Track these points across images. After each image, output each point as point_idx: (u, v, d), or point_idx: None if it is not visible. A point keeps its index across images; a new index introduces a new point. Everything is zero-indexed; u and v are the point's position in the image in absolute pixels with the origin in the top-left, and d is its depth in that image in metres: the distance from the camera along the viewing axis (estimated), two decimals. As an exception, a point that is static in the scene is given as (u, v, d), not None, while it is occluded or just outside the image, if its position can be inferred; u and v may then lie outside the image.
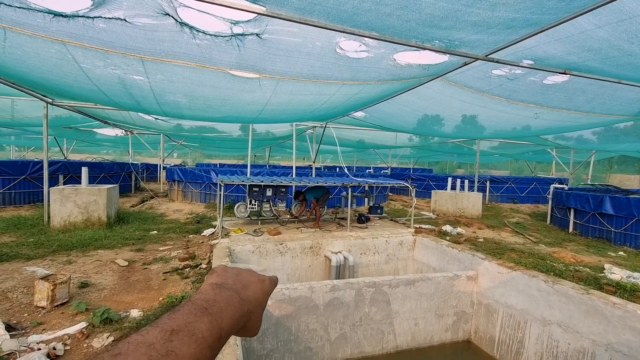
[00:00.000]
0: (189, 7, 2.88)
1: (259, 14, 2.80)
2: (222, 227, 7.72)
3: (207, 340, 0.37)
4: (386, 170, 22.86)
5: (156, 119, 10.06)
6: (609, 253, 7.61)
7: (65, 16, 3.23)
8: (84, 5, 3.07)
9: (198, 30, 3.18)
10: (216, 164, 24.65)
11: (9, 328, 3.76)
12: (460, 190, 12.18)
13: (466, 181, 12.38)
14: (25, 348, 3.43)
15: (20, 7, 3.10)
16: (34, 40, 3.66)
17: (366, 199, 9.25)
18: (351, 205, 8.62)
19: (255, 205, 8.38)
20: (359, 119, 8.10)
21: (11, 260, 6.06)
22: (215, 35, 3.25)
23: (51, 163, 11.88)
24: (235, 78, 4.20)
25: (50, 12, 3.18)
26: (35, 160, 11.99)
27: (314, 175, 11.02)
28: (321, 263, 7.29)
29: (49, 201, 8.49)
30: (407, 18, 3.02)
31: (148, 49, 3.65)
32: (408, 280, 5.83)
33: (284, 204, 8.68)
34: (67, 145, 20.04)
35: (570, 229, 9.83)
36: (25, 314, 4.17)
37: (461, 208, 11.53)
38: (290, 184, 8.24)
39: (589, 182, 16.55)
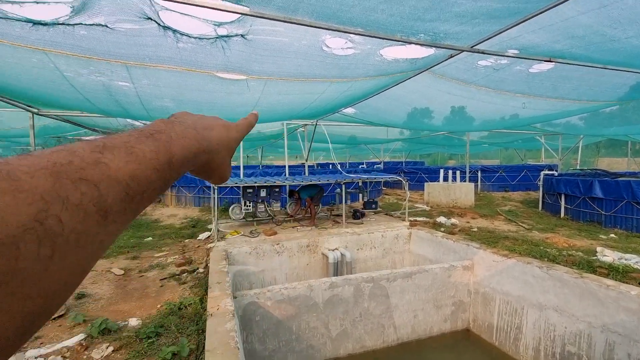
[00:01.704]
0: (171, 10, 2.83)
1: (242, 14, 2.77)
2: (218, 230, 7.68)
3: (152, 162, 0.34)
4: (379, 165, 22.93)
5: (144, 124, 9.92)
6: (600, 236, 7.77)
7: (45, 24, 3.16)
8: (64, 13, 3.00)
9: (182, 34, 3.14)
10: (209, 167, 24.43)
11: (4, 345, 3.70)
12: (452, 181, 12.29)
13: (458, 172, 12.50)
14: (22, 364, 3.38)
15: (-3, 17, 3.02)
16: (14, 50, 3.57)
17: (360, 195, 9.27)
18: (346, 202, 8.64)
19: (249, 206, 8.35)
20: (350, 116, 8.10)
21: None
22: (199, 38, 3.21)
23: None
24: (223, 80, 4.16)
25: (29, 20, 3.10)
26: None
27: (307, 174, 11.01)
28: (319, 261, 7.31)
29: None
30: (391, 12, 3.02)
31: (132, 54, 3.59)
32: (405, 273, 5.87)
33: (278, 204, 8.67)
34: (55, 155, 19.74)
35: (562, 214, 9.99)
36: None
37: (454, 199, 11.64)
38: (284, 184, 8.22)
39: (578, 167, 16.81)
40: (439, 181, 12.48)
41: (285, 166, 11.99)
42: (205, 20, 3.06)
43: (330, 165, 22.47)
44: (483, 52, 3.95)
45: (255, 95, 4.60)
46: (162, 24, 3.05)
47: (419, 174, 17.96)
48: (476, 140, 16.92)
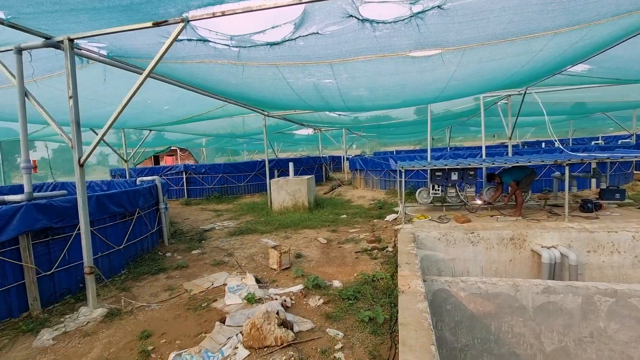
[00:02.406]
0: (369, 2, 2.96)
1: (441, -20, 2.54)
2: (405, 213, 7.78)
3: None
4: (627, 140, 16.42)
5: (339, 115, 11.22)
6: None
7: (277, 44, 4.04)
8: (288, 31, 3.72)
9: (378, 22, 3.24)
10: (392, 151, 25.15)
11: (257, 281, 5.20)
12: None
13: None
14: (268, 297, 4.63)
15: (251, 46, 4.11)
16: (258, 69, 4.78)
17: (594, 180, 6.95)
18: (569, 189, 6.74)
19: (438, 190, 7.97)
20: (579, 75, 6.11)
21: (253, 233, 8.37)
22: (394, 22, 3.22)
23: (269, 161, 15.59)
24: (414, 60, 4.05)
25: (268, 43, 4.05)
26: (260, 160, 15.99)
27: (510, 154, 9.32)
28: (526, 258, 6.12)
29: (270, 190, 11.18)
30: None
31: (335, 53, 4.05)
32: (680, 296, 4.01)
33: (472, 189, 7.83)
34: (277, 147, 25.60)
35: None
36: (264, 273, 5.64)
37: None
38: (480, 166, 7.29)
39: None
40: None
41: (479, 147, 10.65)
42: (400, 2, 3.03)
43: (543, 144, 18.09)
44: None
45: (450, 68, 4.23)
46: (360, 17, 3.25)
47: None
48: None
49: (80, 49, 4.46)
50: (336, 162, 24.59)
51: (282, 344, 3.30)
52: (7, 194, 7.95)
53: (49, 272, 4.56)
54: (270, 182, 11.01)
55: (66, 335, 3.89)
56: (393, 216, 9.06)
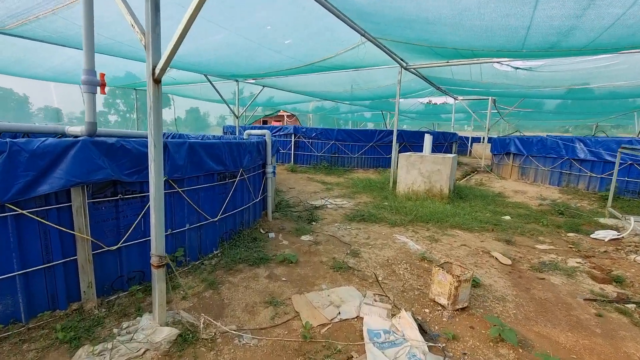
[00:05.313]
0: None
1: None
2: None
3: None
4: None
5: (516, 68, 7.63)
6: None
7: None
8: None
9: None
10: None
11: (420, 329, 2.81)
12: None
13: None
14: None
15: None
16: None
17: None
18: None
19: None
20: None
21: (379, 223, 6.00)
22: None
23: (389, 132, 12.77)
24: None
25: None
26: (380, 129, 13.32)
27: None
28: None
29: (396, 167, 8.59)
30: None
31: None
32: None
33: None
34: (388, 119, 22.35)
35: None
36: (426, 309, 3.20)
37: None
38: None
39: None
40: None
41: None
42: None
43: None
44: None
45: None
46: None
47: None
48: None
49: None
50: (462, 142, 20.27)
51: None
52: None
53: (115, 247, 3.02)
54: (398, 157, 8.37)
55: (107, 374, 2.22)
56: (609, 234, 5.51)
